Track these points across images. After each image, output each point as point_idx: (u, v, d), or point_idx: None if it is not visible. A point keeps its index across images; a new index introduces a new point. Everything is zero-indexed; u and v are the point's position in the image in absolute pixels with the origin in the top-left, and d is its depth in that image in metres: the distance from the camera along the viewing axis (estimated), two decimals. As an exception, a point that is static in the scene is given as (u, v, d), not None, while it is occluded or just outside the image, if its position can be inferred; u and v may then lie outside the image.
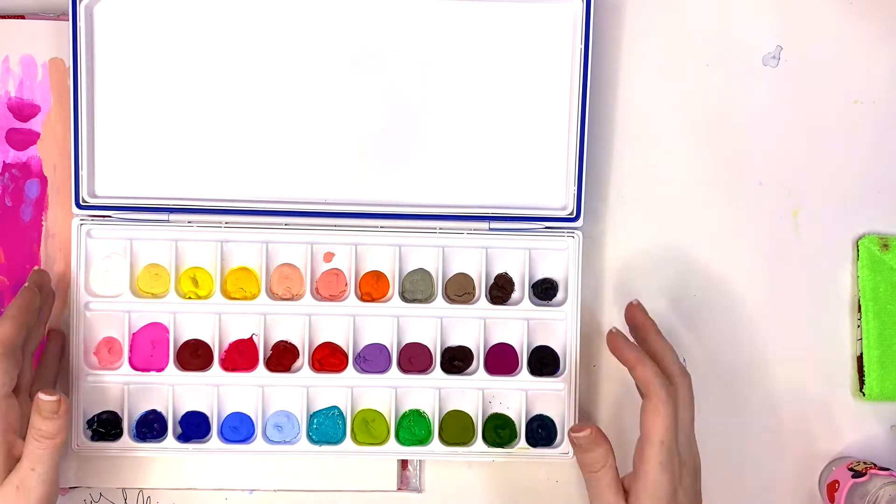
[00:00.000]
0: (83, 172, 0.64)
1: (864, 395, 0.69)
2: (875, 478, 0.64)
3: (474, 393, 0.67)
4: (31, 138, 0.67)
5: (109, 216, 0.65)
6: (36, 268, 0.65)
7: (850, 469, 0.66)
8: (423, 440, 0.67)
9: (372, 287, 0.67)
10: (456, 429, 0.67)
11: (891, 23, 0.71)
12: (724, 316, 0.70)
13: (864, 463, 0.67)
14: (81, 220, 0.65)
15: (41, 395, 0.58)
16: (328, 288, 0.67)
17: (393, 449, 0.67)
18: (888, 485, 0.63)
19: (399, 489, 0.68)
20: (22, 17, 0.67)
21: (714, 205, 0.70)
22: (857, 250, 0.70)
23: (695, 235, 0.70)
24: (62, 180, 0.67)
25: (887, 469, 0.65)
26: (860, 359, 0.69)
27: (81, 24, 0.63)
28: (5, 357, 0.58)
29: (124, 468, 0.67)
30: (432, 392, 0.67)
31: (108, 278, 0.66)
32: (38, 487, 0.59)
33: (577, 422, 0.67)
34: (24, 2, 0.68)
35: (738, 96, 0.70)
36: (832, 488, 0.67)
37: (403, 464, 0.69)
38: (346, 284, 0.67)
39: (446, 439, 0.67)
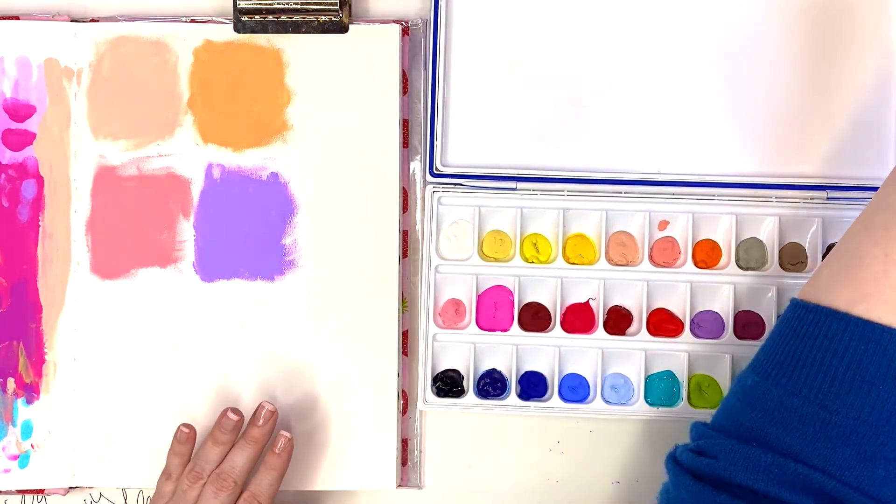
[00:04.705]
0: (438, 143, 0.68)
1: None
2: None
3: (808, 361, 0.68)
4: (27, 139, 0.68)
5: (460, 184, 0.69)
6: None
7: None
8: (755, 406, 0.68)
9: (706, 255, 0.69)
10: (789, 396, 0.68)
11: None
12: None
13: None
14: (434, 187, 0.69)
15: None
16: (663, 255, 0.69)
17: (727, 413, 0.68)
18: None
19: (399, 486, 0.68)
20: (17, 17, 0.68)
21: None
22: None
23: None
24: (59, 180, 0.68)
25: None
26: None
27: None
28: None
29: (124, 468, 0.68)
30: (767, 358, 0.68)
31: (454, 242, 0.70)
32: None
33: None
34: (19, 2, 0.69)
35: None
36: None
37: (403, 460, 0.69)
38: (681, 252, 0.69)
39: (779, 406, 0.68)
